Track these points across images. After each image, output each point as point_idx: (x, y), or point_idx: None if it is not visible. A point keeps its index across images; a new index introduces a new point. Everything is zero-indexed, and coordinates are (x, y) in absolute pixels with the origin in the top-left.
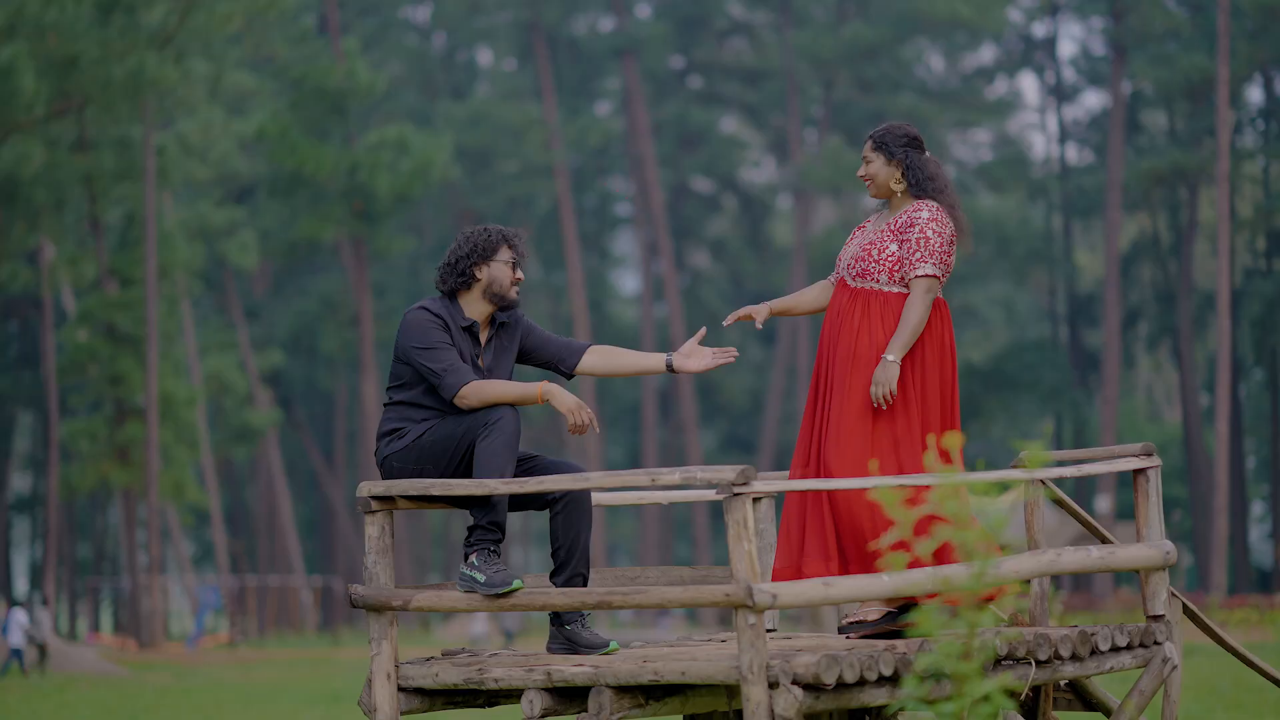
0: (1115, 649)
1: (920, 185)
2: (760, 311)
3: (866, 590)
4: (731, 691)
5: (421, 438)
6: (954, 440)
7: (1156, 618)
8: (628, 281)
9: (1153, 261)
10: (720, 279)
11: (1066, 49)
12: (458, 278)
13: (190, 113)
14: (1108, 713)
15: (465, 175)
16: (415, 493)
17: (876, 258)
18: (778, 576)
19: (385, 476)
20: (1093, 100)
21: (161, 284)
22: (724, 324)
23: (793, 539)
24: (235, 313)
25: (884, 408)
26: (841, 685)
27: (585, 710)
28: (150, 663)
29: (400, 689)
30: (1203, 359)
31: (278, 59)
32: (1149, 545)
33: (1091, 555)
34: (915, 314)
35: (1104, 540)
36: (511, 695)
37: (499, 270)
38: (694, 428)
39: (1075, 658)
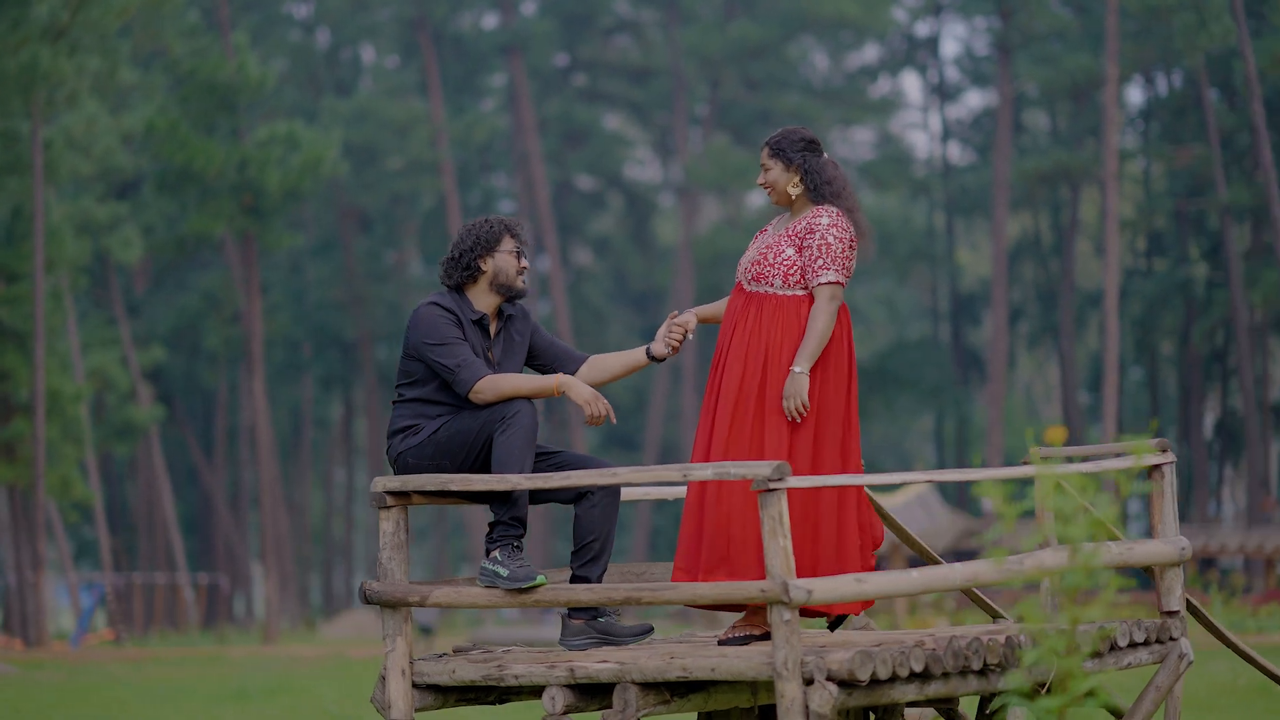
0: (1133, 645)
1: (819, 189)
2: (689, 322)
3: (898, 586)
4: (755, 688)
5: (437, 433)
6: (1057, 435)
7: (1171, 613)
8: None
9: (1035, 260)
10: (604, 276)
11: (950, 48)
12: (463, 271)
13: (74, 107)
14: (1114, 711)
15: (350, 172)
16: (434, 488)
17: (773, 261)
18: (676, 578)
19: (399, 473)
20: (975, 100)
21: (47, 279)
22: (671, 341)
23: (691, 543)
24: (117, 309)
25: (798, 420)
26: (874, 681)
27: (608, 706)
28: (39, 661)
29: (414, 685)
30: (1084, 358)
31: (170, 53)
32: (1165, 541)
33: (1111, 551)
34: (821, 322)
35: (1112, 538)
36: (531, 692)
37: (504, 260)
38: (578, 424)
39: (1096, 654)
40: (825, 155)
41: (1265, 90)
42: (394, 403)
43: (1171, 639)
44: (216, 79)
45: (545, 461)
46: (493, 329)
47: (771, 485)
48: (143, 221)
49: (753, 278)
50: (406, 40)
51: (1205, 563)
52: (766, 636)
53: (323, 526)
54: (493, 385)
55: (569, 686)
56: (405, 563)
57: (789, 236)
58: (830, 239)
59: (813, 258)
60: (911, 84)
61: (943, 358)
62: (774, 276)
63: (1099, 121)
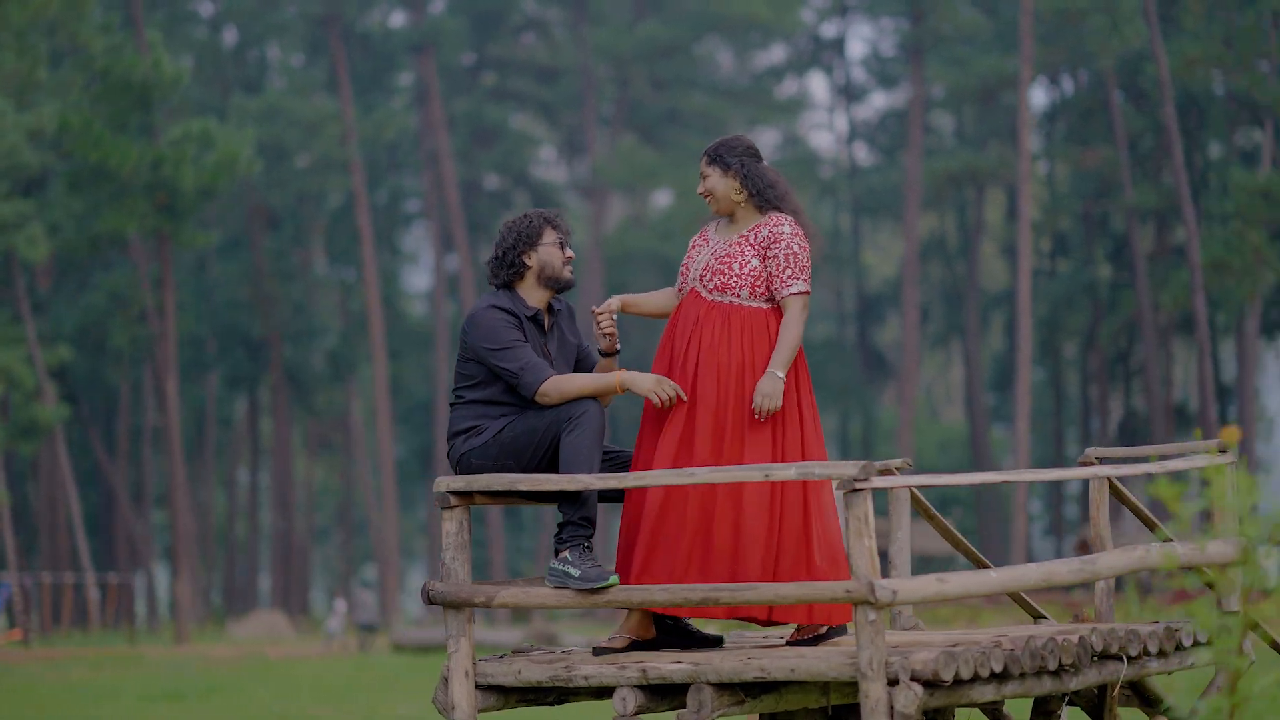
0: (1197, 645)
1: (761, 194)
2: (611, 305)
3: (979, 586)
4: (827, 689)
5: (501, 433)
6: (1231, 435)
7: (1231, 614)
8: (417, 278)
9: (941, 262)
10: None
11: (856, 50)
12: (509, 270)
13: None
14: (1165, 711)
15: (259, 170)
16: (501, 488)
17: (738, 272)
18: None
19: (461, 474)
20: (881, 101)
21: None
22: (605, 333)
23: (638, 544)
24: (23, 307)
25: (762, 419)
26: (958, 681)
27: (679, 707)
28: None
29: (477, 686)
30: (988, 358)
31: (89, 51)
32: (1225, 541)
33: (1178, 552)
34: (794, 331)
35: (1164, 538)
36: (592, 692)
37: (548, 253)
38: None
39: (1161, 654)
40: (764, 161)
41: (1175, 93)
42: (453, 405)
43: None
44: (131, 77)
45: (609, 461)
46: (546, 323)
47: (858, 485)
48: (49, 219)
49: (715, 287)
50: (314, 38)
51: None
52: (649, 644)
53: (225, 526)
54: (557, 387)
55: (640, 687)
56: (468, 563)
57: (752, 246)
58: (795, 248)
59: (780, 268)
60: (818, 85)
61: (849, 358)
62: (740, 288)
63: (1004, 123)
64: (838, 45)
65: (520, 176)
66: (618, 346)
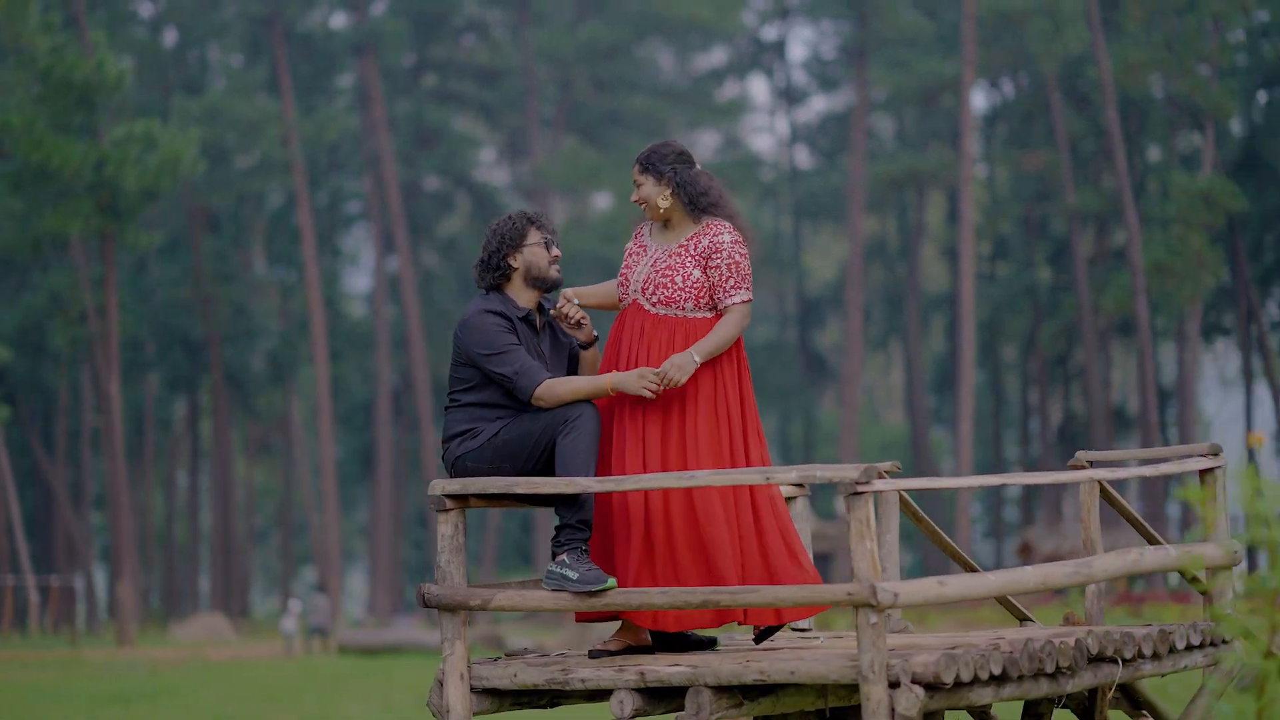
0: (1190, 648)
1: (695, 201)
2: (568, 294)
3: (977, 588)
4: (825, 691)
5: (496, 436)
6: (1256, 440)
7: (1224, 616)
8: (358, 279)
9: (881, 264)
10: (450, 278)
11: (797, 53)
12: (495, 273)
13: None
14: (1156, 714)
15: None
16: (497, 490)
17: (682, 285)
18: None
19: (456, 476)
20: (821, 104)
21: None
22: (576, 323)
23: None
24: None
25: (650, 396)
26: (956, 684)
27: (678, 710)
28: None
29: (471, 689)
30: (929, 360)
31: (34, 51)
32: (1216, 544)
33: (1171, 555)
34: (726, 330)
35: (1151, 541)
36: (587, 695)
37: (533, 254)
38: (430, 425)
39: (1155, 656)
40: (698, 166)
41: (1115, 97)
42: (447, 408)
43: (1224, 642)
44: (74, 77)
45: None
46: (538, 324)
47: (860, 489)
48: None
49: (659, 301)
50: (255, 39)
51: None
52: (643, 649)
53: (164, 528)
54: (552, 390)
55: (638, 690)
56: (463, 566)
57: (693, 257)
58: (737, 257)
59: (722, 278)
60: (759, 87)
61: (790, 361)
62: (684, 301)
63: (945, 126)
64: (779, 48)
65: (461, 178)
66: (595, 334)
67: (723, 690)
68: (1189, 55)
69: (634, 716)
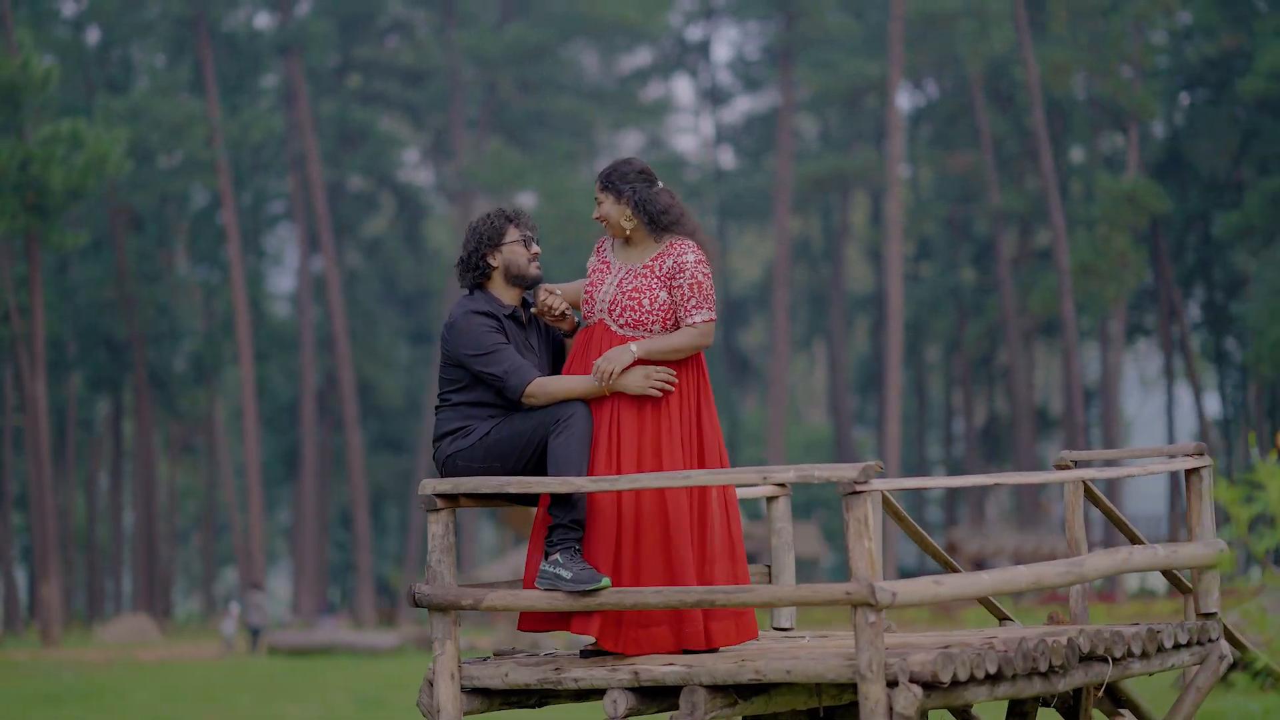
0: (1177, 646)
1: (655, 220)
2: (546, 288)
3: (972, 588)
4: (819, 690)
5: (488, 435)
6: None
7: (1209, 615)
8: (282, 280)
9: (805, 264)
10: (374, 279)
11: (722, 53)
12: (475, 272)
13: None
14: (1138, 713)
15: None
16: (490, 490)
17: (649, 308)
18: (528, 584)
19: (447, 475)
20: (745, 104)
21: None
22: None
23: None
24: None
25: (597, 380)
26: (954, 683)
27: (671, 709)
28: None
29: (462, 689)
30: (853, 361)
31: None
32: (1203, 544)
33: (1159, 554)
34: (679, 339)
35: (1134, 540)
36: (577, 695)
37: (512, 252)
38: (355, 426)
39: (1144, 655)
40: (659, 184)
41: (1042, 97)
42: (438, 409)
43: (1210, 640)
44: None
45: None
46: (524, 318)
47: (858, 488)
48: None
49: (627, 323)
50: (179, 38)
51: (978, 566)
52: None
53: (86, 529)
54: (543, 389)
55: (631, 689)
56: (454, 566)
57: (659, 279)
58: (699, 276)
59: (685, 297)
60: (683, 88)
61: (713, 361)
62: (652, 323)
63: (869, 127)
64: (703, 49)
65: (386, 178)
66: (576, 322)
67: (717, 690)
68: (1113, 57)
69: (627, 715)
